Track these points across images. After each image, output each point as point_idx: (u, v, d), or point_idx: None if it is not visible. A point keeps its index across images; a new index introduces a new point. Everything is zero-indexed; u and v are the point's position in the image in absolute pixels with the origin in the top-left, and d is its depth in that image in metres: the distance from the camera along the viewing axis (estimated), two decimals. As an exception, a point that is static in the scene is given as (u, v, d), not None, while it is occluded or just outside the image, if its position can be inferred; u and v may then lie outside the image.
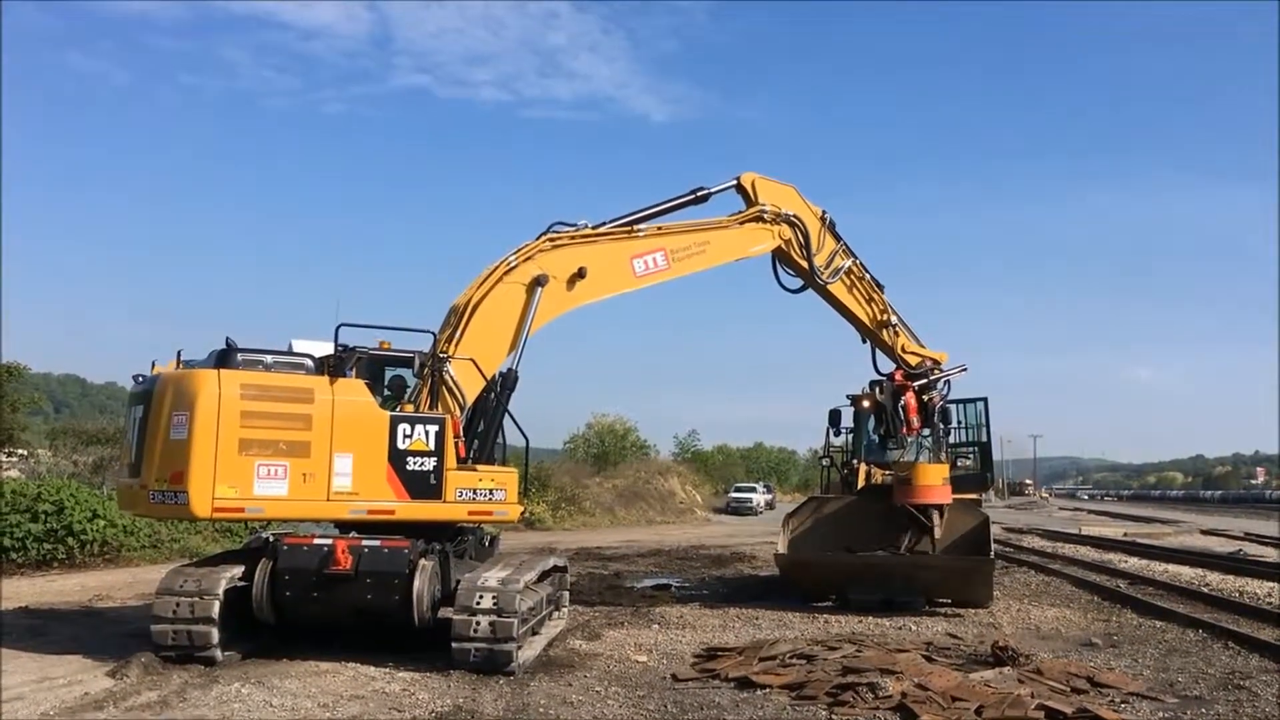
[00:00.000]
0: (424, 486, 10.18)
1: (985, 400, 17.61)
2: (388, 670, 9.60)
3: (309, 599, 9.85)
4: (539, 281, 11.62)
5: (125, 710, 8.04)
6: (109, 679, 9.01)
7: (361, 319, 10.64)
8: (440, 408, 10.68)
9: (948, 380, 16.29)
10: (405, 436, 10.14)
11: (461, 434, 10.71)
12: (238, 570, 9.96)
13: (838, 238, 14.94)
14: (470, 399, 11.04)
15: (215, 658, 9.49)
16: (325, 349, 10.35)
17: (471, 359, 11.02)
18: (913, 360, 15.86)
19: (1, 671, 9.23)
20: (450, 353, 10.96)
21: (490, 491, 10.54)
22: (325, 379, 10.00)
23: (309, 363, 10.18)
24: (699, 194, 13.53)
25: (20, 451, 26.23)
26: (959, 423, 17.43)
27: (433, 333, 11.10)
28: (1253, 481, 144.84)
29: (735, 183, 14.10)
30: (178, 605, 9.45)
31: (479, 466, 10.74)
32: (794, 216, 14.29)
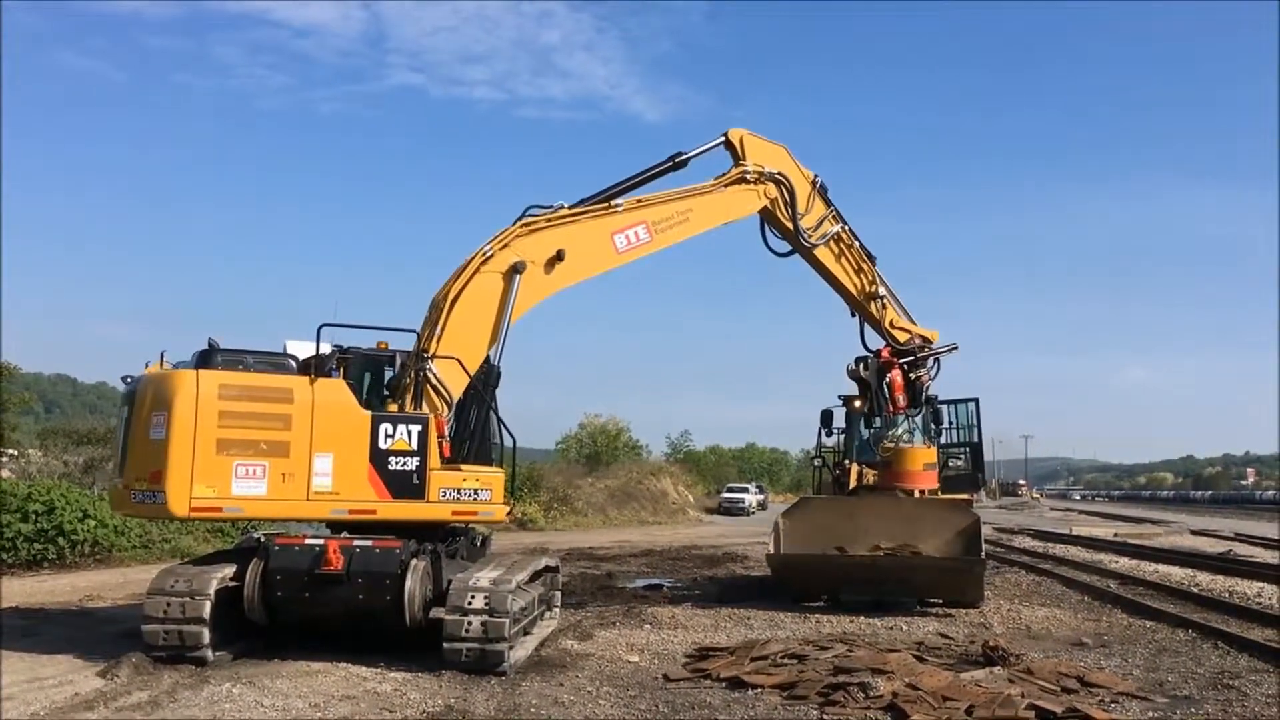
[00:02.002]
0: (406, 486, 10.11)
1: (976, 401, 17.69)
2: (379, 670, 9.58)
3: (300, 599, 9.83)
4: (516, 269, 11.30)
5: (116, 710, 8.02)
6: (99, 679, 8.99)
7: (360, 318, 10.67)
8: (427, 406, 10.62)
9: (937, 359, 15.76)
10: (387, 436, 10.08)
11: (447, 433, 10.63)
12: (229, 570, 9.91)
13: (828, 203, 14.57)
14: (456, 396, 10.92)
15: (206, 658, 9.46)
16: (321, 349, 10.34)
17: (456, 358, 10.85)
18: (901, 336, 15.37)
19: (-8, 672, 9.21)
20: (433, 349, 10.80)
21: (475, 491, 10.46)
22: (305, 379, 9.96)
23: (291, 363, 10.16)
24: (678, 159, 12.99)
25: (11, 451, 26.19)
26: (950, 423, 17.49)
27: (416, 331, 11.02)
28: (1243, 482, 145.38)
29: (724, 139, 13.64)
30: (169, 605, 9.41)
31: (464, 466, 10.66)
32: (779, 174, 13.82)
